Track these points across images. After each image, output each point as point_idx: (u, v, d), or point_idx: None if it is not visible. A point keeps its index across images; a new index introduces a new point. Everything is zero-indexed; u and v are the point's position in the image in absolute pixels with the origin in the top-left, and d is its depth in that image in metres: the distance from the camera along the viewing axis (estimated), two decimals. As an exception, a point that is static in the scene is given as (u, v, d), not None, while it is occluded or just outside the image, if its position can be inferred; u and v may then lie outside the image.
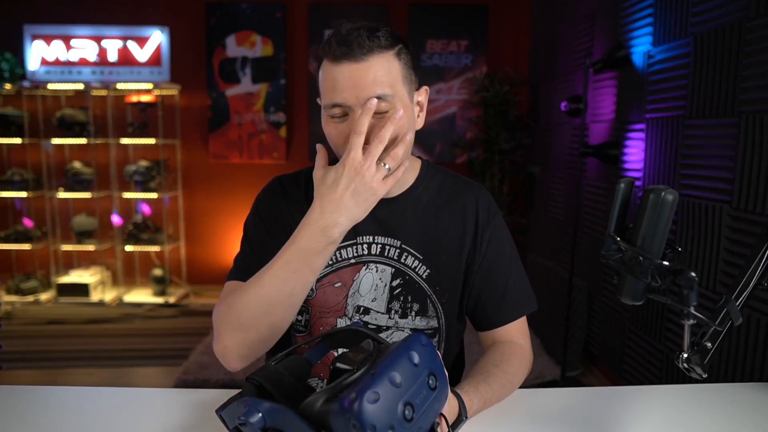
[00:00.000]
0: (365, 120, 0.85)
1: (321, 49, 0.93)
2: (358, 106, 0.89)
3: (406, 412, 0.61)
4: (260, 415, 0.64)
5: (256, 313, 0.87)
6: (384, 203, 1.03)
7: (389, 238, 1.03)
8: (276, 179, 1.10)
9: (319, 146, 0.93)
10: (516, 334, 1.08)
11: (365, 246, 1.03)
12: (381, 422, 0.58)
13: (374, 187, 0.85)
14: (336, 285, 1.03)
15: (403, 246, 1.03)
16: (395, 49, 0.93)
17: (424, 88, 1.02)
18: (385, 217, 1.04)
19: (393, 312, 1.03)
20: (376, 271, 1.03)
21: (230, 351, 0.89)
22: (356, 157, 0.84)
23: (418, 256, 1.03)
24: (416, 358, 0.65)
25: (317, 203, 0.86)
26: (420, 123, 1.01)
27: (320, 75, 0.94)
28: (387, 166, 0.86)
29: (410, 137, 0.96)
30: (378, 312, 1.03)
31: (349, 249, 1.03)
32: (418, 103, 1.00)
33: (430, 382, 0.66)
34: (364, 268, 1.03)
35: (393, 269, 1.03)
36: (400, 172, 0.89)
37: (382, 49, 0.91)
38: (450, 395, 0.79)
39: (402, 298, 1.03)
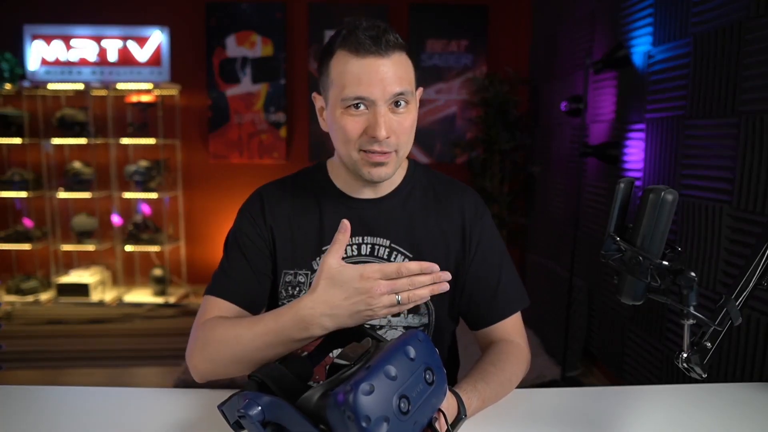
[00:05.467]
0: (396, 267, 0.78)
1: (340, 41, 0.92)
2: (382, 101, 0.91)
3: (402, 404, 0.61)
4: (259, 408, 0.65)
5: (228, 360, 0.88)
6: (371, 203, 1.06)
7: (378, 238, 1.04)
8: (256, 193, 1.09)
9: (344, 225, 0.81)
10: (511, 332, 1.08)
11: (355, 247, 1.04)
12: (376, 413, 0.58)
13: (375, 312, 0.78)
14: None
15: (393, 245, 1.04)
16: (406, 49, 0.96)
17: (420, 88, 1.04)
18: (373, 218, 1.05)
19: None
20: None
21: (198, 372, 0.93)
22: (378, 281, 0.76)
23: (408, 254, 1.04)
24: (412, 353, 0.65)
25: (316, 293, 0.79)
26: None
27: (336, 68, 0.93)
28: (398, 299, 0.77)
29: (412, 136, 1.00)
30: None
31: None
32: None
33: (427, 376, 0.66)
34: None
35: None
36: (404, 308, 0.80)
37: (401, 47, 0.94)
38: (448, 394, 0.79)
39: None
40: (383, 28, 0.92)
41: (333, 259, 0.79)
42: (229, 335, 0.88)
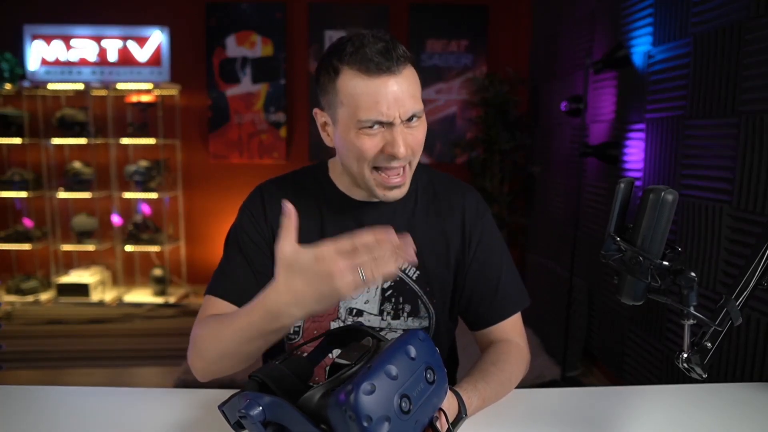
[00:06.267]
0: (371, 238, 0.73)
1: (348, 59, 0.89)
2: (399, 121, 0.90)
3: (403, 404, 0.61)
4: (260, 408, 0.65)
5: (214, 357, 0.88)
6: (372, 205, 1.05)
7: None
8: (257, 190, 1.09)
9: (287, 208, 0.74)
10: (511, 332, 1.08)
11: None
12: (377, 413, 0.58)
13: (342, 293, 0.70)
14: None
15: None
16: (412, 61, 0.94)
17: None
18: (373, 220, 1.04)
19: (385, 313, 1.04)
20: None
21: (195, 369, 0.93)
22: (335, 261, 0.69)
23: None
24: (413, 352, 0.65)
25: (277, 284, 0.74)
26: None
27: (345, 88, 0.90)
28: (363, 275, 0.70)
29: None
30: (370, 314, 1.03)
31: None
32: None
33: (428, 376, 0.66)
34: None
35: None
36: (371, 285, 0.74)
37: (408, 60, 0.92)
38: (449, 393, 0.79)
39: (393, 300, 1.03)
40: (390, 41, 0.89)
41: (286, 246, 0.72)
42: (213, 332, 0.88)
